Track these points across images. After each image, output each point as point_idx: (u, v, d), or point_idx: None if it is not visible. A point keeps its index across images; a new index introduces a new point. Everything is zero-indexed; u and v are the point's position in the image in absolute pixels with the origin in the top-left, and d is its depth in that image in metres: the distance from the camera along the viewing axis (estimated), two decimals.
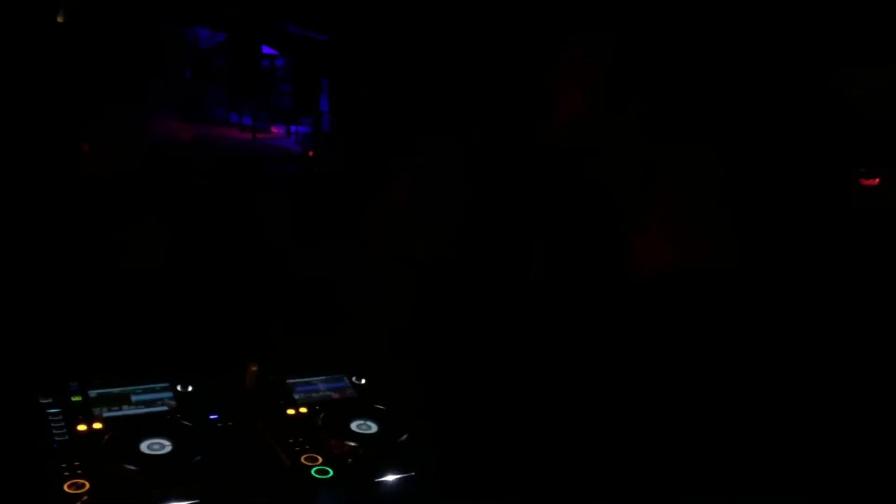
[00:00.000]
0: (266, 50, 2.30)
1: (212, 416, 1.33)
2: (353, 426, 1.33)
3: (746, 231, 1.54)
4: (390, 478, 1.26)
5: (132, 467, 1.15)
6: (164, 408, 1.34)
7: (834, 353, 1.30)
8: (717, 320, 1.45)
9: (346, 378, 1.52)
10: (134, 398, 1.34)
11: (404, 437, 1.33)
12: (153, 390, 1.37)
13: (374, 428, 1.34)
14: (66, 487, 1.11)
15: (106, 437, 1.22)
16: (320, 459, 1.26)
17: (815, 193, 1.63)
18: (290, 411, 1.39)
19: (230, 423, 1.33)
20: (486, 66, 1.89)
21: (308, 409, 1.40)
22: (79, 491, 1.11)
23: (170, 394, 1.37)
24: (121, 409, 1.31)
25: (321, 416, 1.36)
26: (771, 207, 1.59)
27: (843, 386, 1.33)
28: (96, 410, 1.30)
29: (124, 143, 1.76)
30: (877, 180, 1.85)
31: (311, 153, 2.32)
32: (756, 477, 1.17)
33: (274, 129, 2.32)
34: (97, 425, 1.26)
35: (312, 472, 1.23)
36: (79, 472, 1.15)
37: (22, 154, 1.49)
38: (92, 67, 1.64)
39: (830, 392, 1.26)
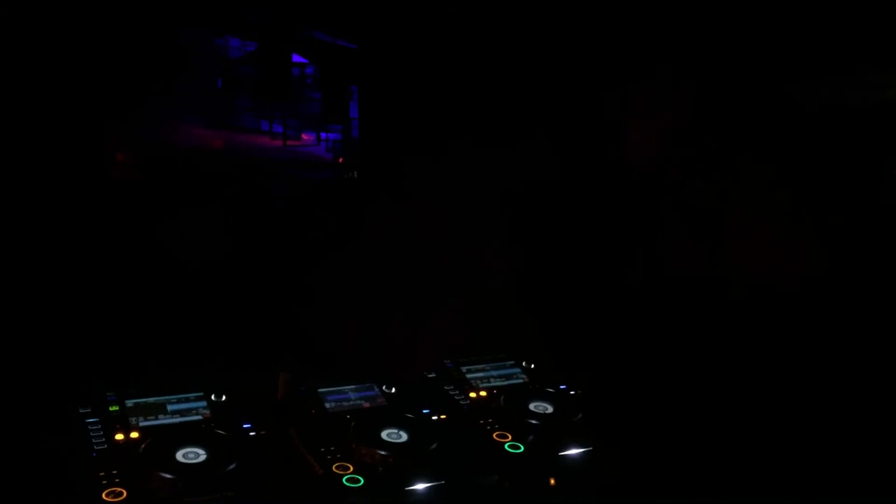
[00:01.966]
0: (296, 58, 2.31)
1: (245, 425, 1.35)
2: (384, 435, 1.35)
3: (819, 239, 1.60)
4: (420, 486, 1.27)
5: (168, 476, 1.18)
6: (199, 417, 1.36)
7: None
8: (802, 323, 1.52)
9: (376, 387, 1.53)
10: (169, 407, 1.37)
11: (434, 445, 1.35)
12: (188, 399, 1.39)
13: (404, 437, 1.35)
14: (104, 496, 1.14)
15: (143, 446, 1.24)
16: (351, 468, 1.27)
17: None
18: (322, 420, 1.41)
19: (263, 432, 1.35)
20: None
21: (339, 417, 1.41)
22: (116, 499, 1.13)
23: (204, 403, 1.40)
24: (157, 419, 1.34)
25: (352, 424, 1.37)
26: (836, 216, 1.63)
27: None
28: (133, 420, 1.32)
29: (157, 151, 1.78)
30: None
31: (341, 160, 2.33)
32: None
33: (304, 137, 2.33)
34: (134, 434, 1.29)
35: (344, 480, 1.24)
36: (116, 480, 1.17)
37: (56, 166, 1.52)
38: (125, 77, 1.67)
39: None
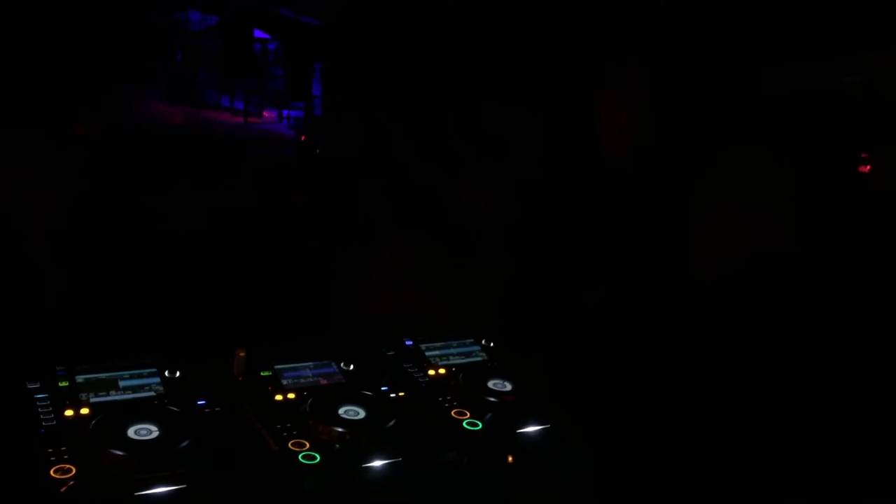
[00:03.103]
0: (258, 34, 2.28)
1: (199, 402, 1.33)
2: (341, 412, 1.34)
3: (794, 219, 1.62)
4: (377, 463, 1.26)
5: (119, 452, 1.15)
6: (152, 393, 1.34)
7: None
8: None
9: (334, 364, 1.52)
10: (121, 383, 1.34)
11: (392, 422, 1.34)
12: (141, 375, 1.37)
13: (361, 414, 1.34)
14: (52, 472, 1.11)
15: (93, 423, 1.22)
16: (308, 445, 1.26)
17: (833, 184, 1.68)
18: (279, 397, 1.39)
19: (218, 409, 1.33)
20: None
21: (296, 394, 1.40)
22: (65, 476, 1.11)
23: (157, 379, 1.37)
24: (108, 395, 1.31)
25: (309, 401, 1.36)
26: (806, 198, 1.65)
27: None
28: (83, 395, 1.30)
29: (116, 125, 1.74)
30: (867, 167, 1.86)
31: (303, 137, 2.31)
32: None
33: (266, 114, 2.30)
34: (84, 410, 1.26)
35: (300, 457, 1.23)
36: (65, 457, 1.15)
37: (10, 138, 1.48)
38: (83, 50, 1.63)
39: None
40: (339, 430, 1.29)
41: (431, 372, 1.56)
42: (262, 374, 1.44)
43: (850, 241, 1.69)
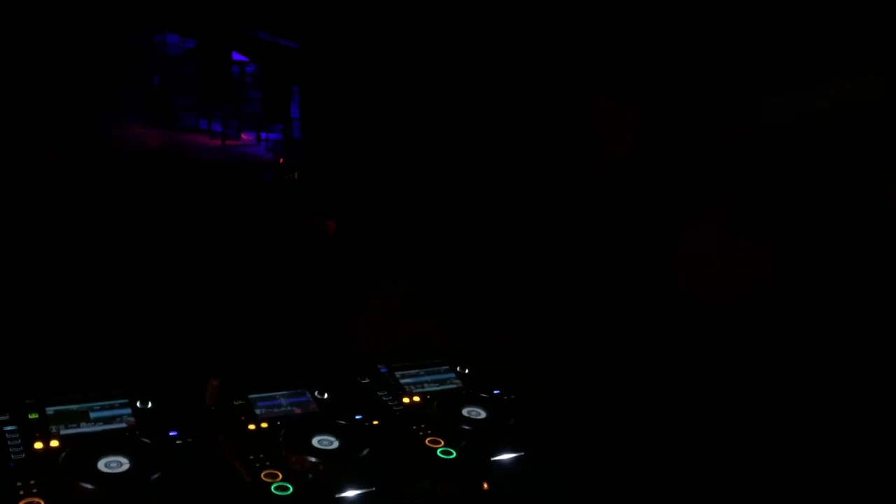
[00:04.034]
0: (236, 56, 2.28)
1: (171, 433, 1.32)
2: (315, 441, 1.33)
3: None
4: (351, 493, 1.26)
5: (89, 486, 1.15)
6: (123, 424, 1.33)
7: None
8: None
9: (308, 393, 1.51)
10: (92, 415, 1.33)
11: (365, 451, 1.34)
12: (112, 406, 1.36)
13: (335, 443, 1.34)
14: None
15: (63, 456, 1.21)
16: (280, 476, 1.25)
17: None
18: (252, 427, 1.39)
19: (190, 440, 1.32)
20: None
21: (269, 424, 1.40)
22: None
23: (128, 410, 1.36)
24: (78, 427, 1.30)
25: (282, 431, 1.36)
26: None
27: None
28: (53, 428, 1.29)
29: (92, 149, 1.74)
30: None
31: (281, 160, 2.31)
32: None
33: (244, 136, 2.30)
34: (54, 443, 1.25)
35: (272, 488, 1.23)
36: (34, 490, 1.14)
37: None
38: (60, 73, 1.62)
39: None
40: (313, 459, 1.29)
41: (406, 399, 1.56)
42: (235, 403, 1.44)
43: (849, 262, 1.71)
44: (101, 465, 1.19)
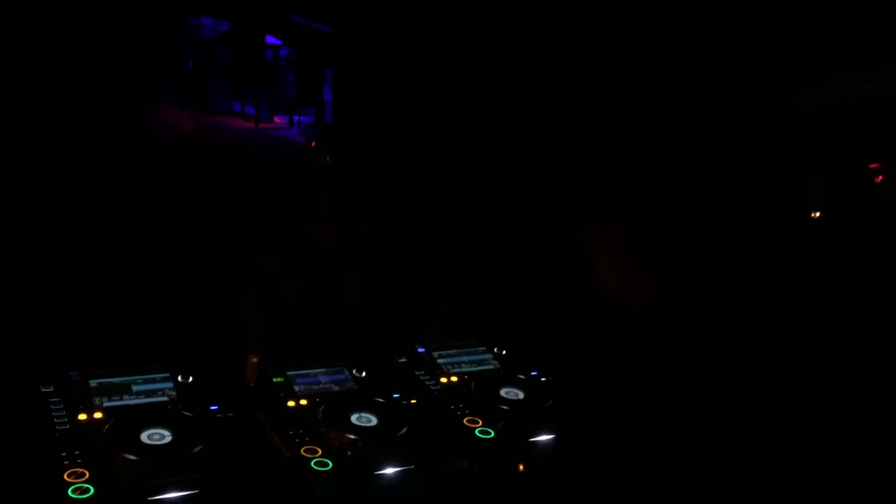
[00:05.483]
0: (270, 40, 2.28)
1: (212, 407, 1.33)
2: (353, 419, 1.34)
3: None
4: (389, 470, 1.26)
5: (132, 457, 1.15)
6: (165, 398, 1.34)
7: None
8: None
9: (346, 370, 1.51)
10: (135, 388, 1.34)
11: (404, 430, 1.34)
12: (154, 380, 1.37)
13: (373, 421, 1.34)
14: (66, 476, 1.11)
15: (106, 427, 1.22)
16: (320, 451, 1.26)
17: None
18: (291, 403, 1.39)
19: (230, 415, 1.33)
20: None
21: (308, 401, 1.40)
22: (79, 480, 1.11)
23: (170, 384, 1.37)
24: (121, 399, 1.31)
25: (321, 408, 1.36)
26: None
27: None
28: (97, 400, 1.30)
29: (129, 134, 1.75)
30: (880, 178, 1.86)
31: (313, 143, 2.31)
32: None
33: (277, 119, 2.31)
34: (98, 415, 1.26)
35: (312, 464, 1.23)
36: (79, 461, 1.15)
37: (24, 147, 1.48)
38: (94, 58, 1.63)
39: None
40: (352, 436, 1.29)
41: (444, 379, 1.56)
42: (274, 380, 1.44)
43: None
44: (144, 436, 1.20)
